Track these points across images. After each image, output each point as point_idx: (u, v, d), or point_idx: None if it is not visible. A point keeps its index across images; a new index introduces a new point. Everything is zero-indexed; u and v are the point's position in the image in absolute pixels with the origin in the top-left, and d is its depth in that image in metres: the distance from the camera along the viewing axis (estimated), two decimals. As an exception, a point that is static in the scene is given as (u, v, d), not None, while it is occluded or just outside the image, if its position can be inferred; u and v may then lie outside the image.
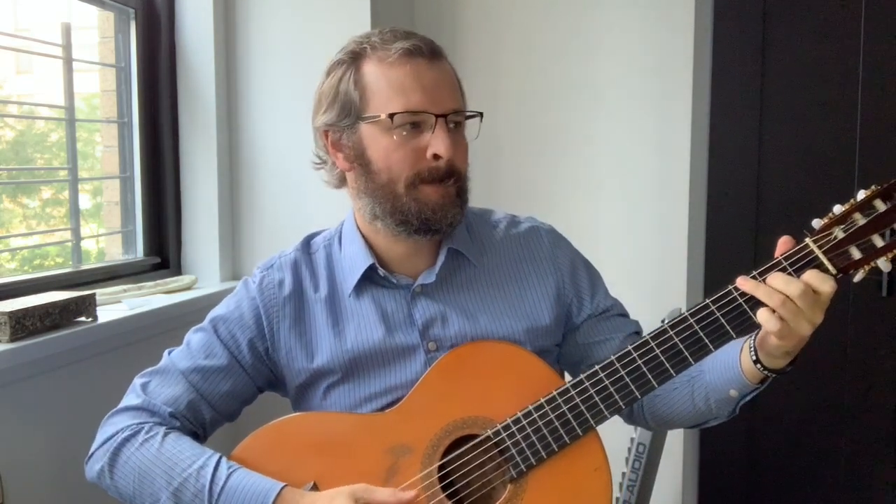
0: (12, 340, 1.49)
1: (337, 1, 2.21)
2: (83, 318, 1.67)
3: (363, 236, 1.30)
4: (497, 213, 1.40)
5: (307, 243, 1.37)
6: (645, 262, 2.39)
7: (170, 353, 1.31)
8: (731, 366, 1.18)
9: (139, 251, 2.21)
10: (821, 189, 2.31)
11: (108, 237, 2.24)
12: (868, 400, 2.35)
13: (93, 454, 1.24)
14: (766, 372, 1.15)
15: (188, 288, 2.15)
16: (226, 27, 2.26)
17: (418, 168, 1.21)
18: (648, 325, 1.52)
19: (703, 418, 1.27)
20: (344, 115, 1.23)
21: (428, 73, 1.21)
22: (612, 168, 2.41)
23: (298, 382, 1.30)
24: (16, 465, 1.51)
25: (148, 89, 2.19)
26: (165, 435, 1.21)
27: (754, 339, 1.16)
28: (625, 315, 1.37)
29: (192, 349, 1.29)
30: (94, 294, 1.72)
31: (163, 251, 2.26)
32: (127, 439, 1.21)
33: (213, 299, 1.99)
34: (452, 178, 1.22)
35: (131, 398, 1.27)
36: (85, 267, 2.00)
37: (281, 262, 1.34)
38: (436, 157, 1.20)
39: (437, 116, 1.19)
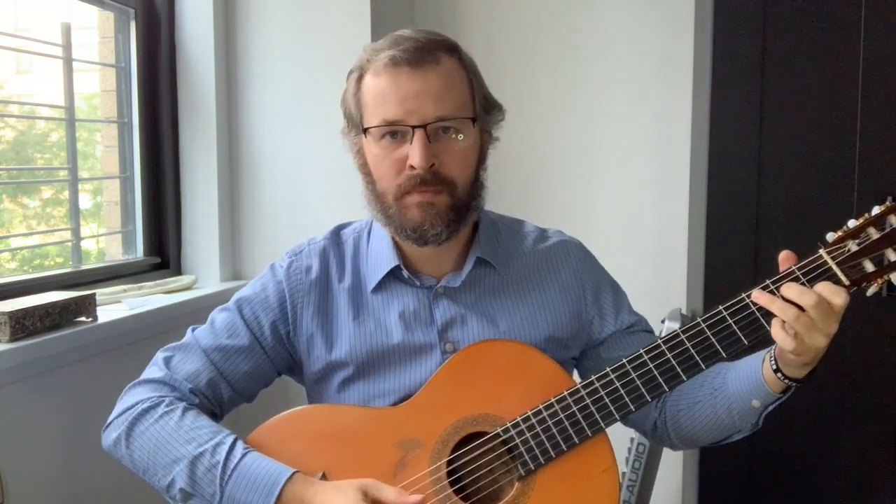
0: (12, 340, 1.49)
1: (337, 1, 2.21)
2: (83, 318, 1.67)
3: (392, 235, 1.31)
4: (527, 224, 1.41)
5: (337, 233, 1.38)
6: (645, 262, 2.39)
7: (193, 330, 1.33)
8: (754, 376, 1.19)
9: (139, 251, 2.21)
10: (821, 189, 2.31)
11: (108, 237, 2.24)
12: (868, 401, 2.35)
13: (111, 423, 1.25)
14: (787, 381, 1.15)
15: (188, 288, 2.15)
16: (226, 27, 2.25)
17: (400, 179, 1.22)
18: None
19: (727, 432, 1.27)
20: (351, 127, 1.28)
21: (408, 83, 1.19)
22: (612, 168, 2.41)
23: (314, 370, 1.31)
24: (16, 464, 1.51)
25: (148, 89, 2.19)
26: (185, 410, 1.22)
27: (774, 350, 1.16)
28: (650, 331, 1.38)
29: (216, 328, 1.31)
30: (94, 294, 1.72)
31: (163, 251, 2.26)
32: (146, 410, 1.22)
33: (213, 299, 2.00)
34: (438, 185, 1.21)
35: (153, 371, 1.28)
36: (85, 267, 2.00)
37: (310, 250, 1.35)
38: (412, 167, 1.21)
39: (413, 128, 1.19)
